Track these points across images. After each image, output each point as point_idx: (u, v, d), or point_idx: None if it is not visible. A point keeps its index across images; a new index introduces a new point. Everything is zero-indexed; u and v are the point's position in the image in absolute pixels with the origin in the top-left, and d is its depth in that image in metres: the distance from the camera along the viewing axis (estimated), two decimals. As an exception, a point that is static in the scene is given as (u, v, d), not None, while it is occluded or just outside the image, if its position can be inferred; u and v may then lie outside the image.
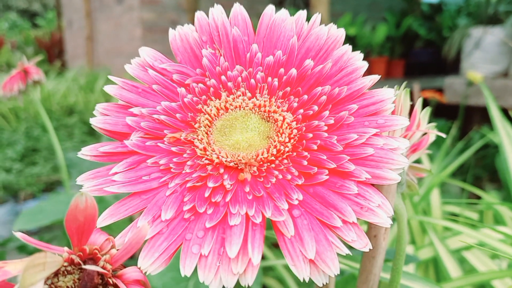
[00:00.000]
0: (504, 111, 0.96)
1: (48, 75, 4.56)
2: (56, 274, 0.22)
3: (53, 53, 6.63)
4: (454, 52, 2.31)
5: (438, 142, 1.73)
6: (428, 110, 0.37)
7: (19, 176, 2.36)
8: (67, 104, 3.10)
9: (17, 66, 1.05)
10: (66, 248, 0.23)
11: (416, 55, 3.33)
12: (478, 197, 1.77)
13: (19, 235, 0.22)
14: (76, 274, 0.23)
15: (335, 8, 4.05)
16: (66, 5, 6.17)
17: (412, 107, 0.37)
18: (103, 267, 0.22)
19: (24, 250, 1.13)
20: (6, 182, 2.27)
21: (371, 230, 0.34)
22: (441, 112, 2.39)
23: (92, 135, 2.96)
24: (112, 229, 0.29)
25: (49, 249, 0.22)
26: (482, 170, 1.83)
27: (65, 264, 0.22)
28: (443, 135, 0.37)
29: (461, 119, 1.90)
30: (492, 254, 0.72)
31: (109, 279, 0.22)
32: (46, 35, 7.30)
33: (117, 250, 0.23)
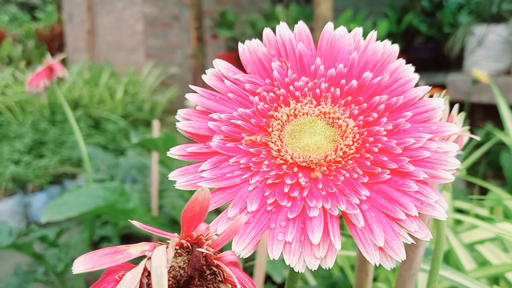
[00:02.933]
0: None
1: (50, 68, 4.57)
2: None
3: (53, 46, 6.65)
4: (458, 49, 2.36)
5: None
6: (463, 114, 0.41)
7: (28, 168, 2.39)
8: (72, 98, 3.13)
9: (43, 63, 1.09)
10: (176, 234, 0.27)
11: (417, 51, 3.37)
12: (484, 194, 1.81)
13: (135, 223, 0.26)
14: (184, 256, 0.27)
15: (335, 3, 4.08)
16: (67, -1, 6.18)
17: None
18: (207, 250, 0.26)
19: (45, 240, 1.17)
20: (15, 174, 2.31)
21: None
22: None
23: (97, 128, 2.99)
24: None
25: (163, 234, 0.27)
26: (486, 167, 1.87)
27: (177, 247, 0.26)
28: (478, 138, 0.41)
29: (467, 116, 1.95)
30: (504, 247, 0.76)
31: (213, 260, 0.26)
32: (47, 28, 7.31)
33: (217, 236, 0.27)
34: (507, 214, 0.92)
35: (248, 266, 0.88)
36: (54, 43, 6.72)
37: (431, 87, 0.33)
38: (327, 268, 0.27)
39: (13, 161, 2.44)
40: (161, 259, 0.24)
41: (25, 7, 12.55)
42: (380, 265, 0.28)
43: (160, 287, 0.23)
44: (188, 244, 0.26)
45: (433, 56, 3.31)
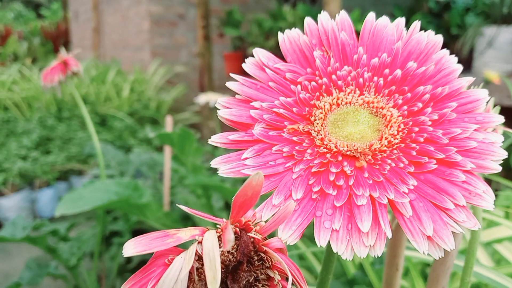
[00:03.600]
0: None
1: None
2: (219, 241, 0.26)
3: (58, 44, 6.65)
4: (467, 50, 2.35)
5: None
6: (497, 108, 0.41)
7: (35, 164, 2.40)
8: (79, 95, 3.13)
9: (57, 57, 1.08)
10: (224, 219, 0.27)
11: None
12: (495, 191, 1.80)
13: (183, 207, 0.26)
14: (233, 242, 0.26)
15: (342, 4, 4.08)
16: (73, -4, 6.19)
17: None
18: (255, 236, 0.26)
19: (56, 235, 1.16)
20: (23, 169, 2.31)
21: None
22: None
23: (103, 126, 2.99)
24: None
25: (213, 220, 0.26)
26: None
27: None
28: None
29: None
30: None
31: (261, 246, 0.26)
32: (52, 26, 7.32)
33: (266, 222, 0.27)
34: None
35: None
36: (60, 40, 6.73)
37: (474, 78, 0.33)
38: (376, 256, 0.27)
39: (21, 156, 2.44)
40: (213, 242, 0.23)
41: (30, 4, 12.57)
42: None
43: (213, 270, 0.23)
44: (237, 229, 0.26)
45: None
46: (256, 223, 0.27)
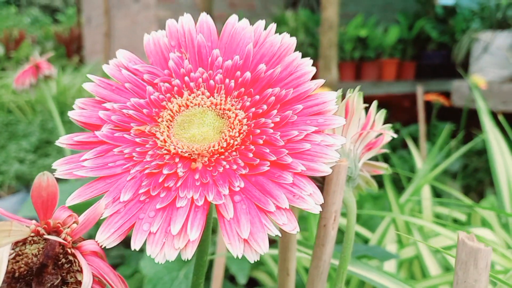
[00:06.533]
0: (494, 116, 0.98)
1: (65, 70, 4.64)
2: (24, 242, 0.26)
3: (71, 48, 6.73)
4: (463, 55, 2.33)
5: (442, 144, 1.75)
6: (383, 112, 0.41)
7: (32, 167, 2.42)
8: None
9: (30, 60, 1.10)
10: (34, 221, 0.27)
11: (429, 57, 3.33)
12: (481, 198, 1.78)
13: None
14: (41, 244, 0.26)
15: (348, 9, 4.07)
16: (86, 2, 6.26)
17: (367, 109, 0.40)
18: (64, 239, 0.26)
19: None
20: (20, 172, 2.34)
21: (322, 220, 0.37)
22: (447, 115, 2.41)
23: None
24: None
25: (19, 221, 0.26)
26: (484, 174, 1.84)
27: (32, 234, 0.26)
28: (395, 135, 0.40)
29: (465, 122, 1.92)
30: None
31: (68, 249, 0.26)
32: (66, 31, 7.41)
33: (77, 224, 0.27)
34: (483, 221, 0.90)
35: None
36: (73, 45, 6.80)
37: (324, 80, 0.33)
38: (186, 259, 0.27)
39: (19, 159, 2.47)
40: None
41: (48, 9, 12.74)
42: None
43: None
44: (44, 231, 0.26)
45: (446, 63, 3.27)
46: (69, 225, 0.27)
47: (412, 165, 1.84)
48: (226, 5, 4.21)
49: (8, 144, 2.59)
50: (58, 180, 0.30)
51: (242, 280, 0.80)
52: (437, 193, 1.42)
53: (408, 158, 1.96)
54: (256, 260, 0.27)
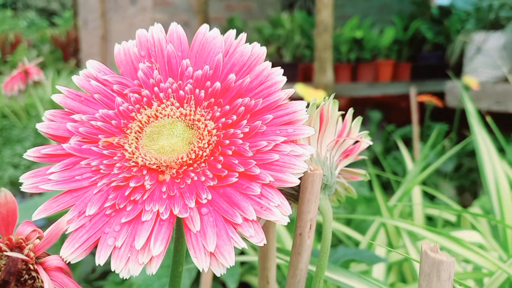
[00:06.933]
0: (482, 116, 0.98)
1: (61, 73, 4.64)
2: (-15, 259, 0.26)
3: (68, 51, 6.73)
4: (456, 56, 2.33)
5: (433, 144, 1.75)
6: (359, 119, 0.40)
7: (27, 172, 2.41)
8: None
9: (18, 66, 1.09)
10: (-5, 237, 0.26)
11: (424, 58, 3.33)
12: (475, 198, 1.78)
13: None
14: (3, 260, 0.26)
15: (345, 11, 4.07)
16: (82, 5, 6.26)
17: (343, 116, 0.40)
18: (27, 255, 0.26)
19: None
20: (14, 177, 2.33)
21: (297, 229, 0.37)
22: (442, 116, 2.40)
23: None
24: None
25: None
26: (477, 174, 1.84)
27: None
28: (370, 143, 0.40)
29: (458, 123, 1.92)
30: (459, 258, 0.74)
31: (31, 265, 0.26)
32: (62, 34, 7.41)
33: (40, 240, 0.27)
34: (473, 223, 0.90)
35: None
36: (69, 48, 6.81)
37: (294, 91, 0.32)
38: (151, 274, 0.26)
39: (13, 164, 2.46)
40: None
41: (44, 13, 12.73)
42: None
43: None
44: (5, 248, 0.26)
45: (441, 63, 3.27)
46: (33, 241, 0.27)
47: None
48: (223, 8, 4.21)
49: (2, 150, 2.59)
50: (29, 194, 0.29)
51: (232, 285, 0.79)
52: (429, 194, 1.42)
53: (402, 159, 1.96)
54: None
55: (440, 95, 2.26)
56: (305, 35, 3.10)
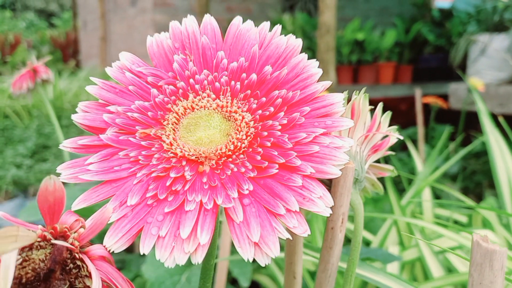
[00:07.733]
0: (494, 118, 0.98)
1: (61, 74, 4.63)
2: (31, 248, 0.26)
3: (67, 52, 6.73)
4: (460, 58, 2.33)
5: (442, 147, 1.75)
6: (388, 114, 0.40)
7: (29, 172, 2.41)
8: (77, 103, 3.16)
9: (27, 65, 1.09)
10: (40, 226, 0.26)
11: (426, 60, 3.34)
12: (480, 200, 1.78)
13: (1, 214, 0.26)
14: (48, 249, 0.26)
15: (345, 13, 4.08)
16: (82, 6, 6.26)
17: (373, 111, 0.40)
18: (71, 244, 0.26)
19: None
20: (16, 177, 2.33)
21: (329, 223, 0.37)
22: (445, 118, 2.41)
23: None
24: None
25: (26, 226, 0.26)
26: (483, 176, 1.84)
27: (39, 239, 0.26)
28: (401, 137, 0.40)
29: (463, 124, 1.92)
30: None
31: (76, 254, 0.26)
32: (62, 35, 7.41)
33: (84, 229, 0.26)
34: (484, 223, 0.90)
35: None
36: (69, 49, 6.80)
37: (331, 82, 0.32)
38: (197, 263, 0.26)
39: (15, 164, 2.46)
40: (3, 249, 0.23)
41: (43, 14, 12.72)
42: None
43: (5, 279, 0.22)
44: (50, 236, 0.26)
45: (443, 66, 3.28)
46: (77, 230, 0.27)
47: (412, 168, 1.84)
48: (223, 9, 4.21)
49: (5, 149, 2.58)
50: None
51: (244, 283, 0.79)
52: (437, 196, 1.42)
53: (407, 160, 1.96)
54: (267, 264, 0.26)
55: (442, 97, 2.26)
56: (306, 37, 3.10)
